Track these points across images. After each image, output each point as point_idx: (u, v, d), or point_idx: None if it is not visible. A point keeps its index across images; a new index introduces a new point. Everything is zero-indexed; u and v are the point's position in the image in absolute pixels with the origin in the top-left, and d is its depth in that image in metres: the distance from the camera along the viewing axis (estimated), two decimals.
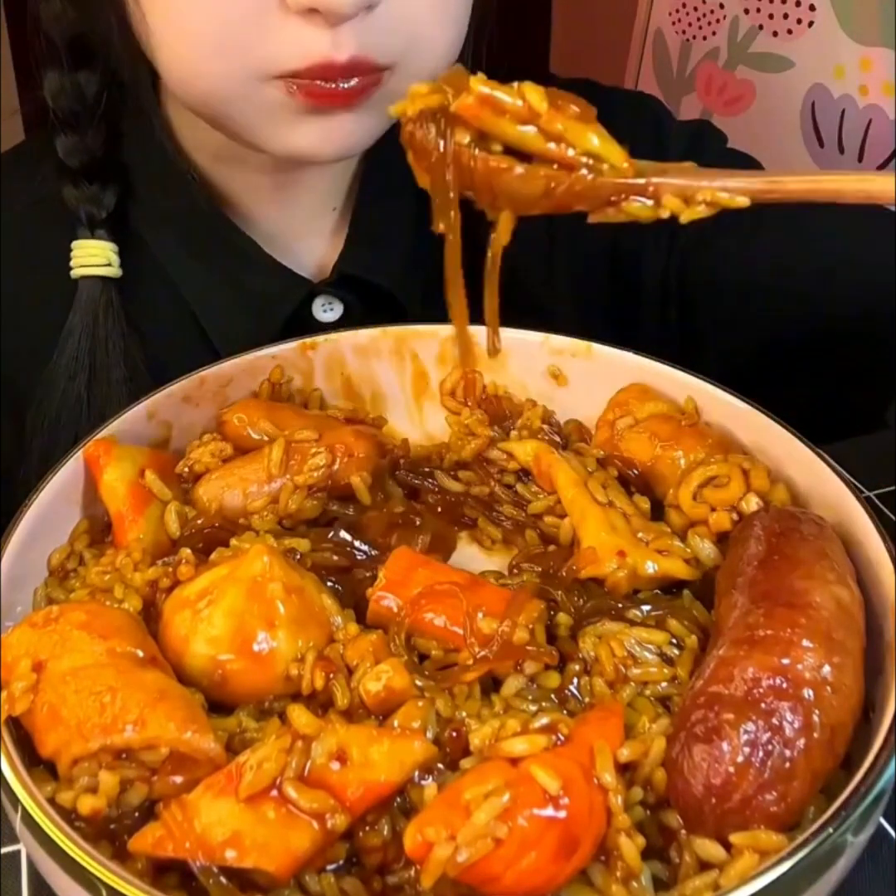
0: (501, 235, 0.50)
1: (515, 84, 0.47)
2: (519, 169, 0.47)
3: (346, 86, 0.64)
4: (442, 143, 0.47)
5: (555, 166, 0.47)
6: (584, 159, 0.47)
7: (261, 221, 0.83)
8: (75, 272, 0.78)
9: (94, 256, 0.78)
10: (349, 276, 0.81)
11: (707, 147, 0.90)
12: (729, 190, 0.47)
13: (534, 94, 0.46)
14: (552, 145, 0.46)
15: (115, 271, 0.78)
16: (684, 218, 0.47)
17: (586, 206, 0.48)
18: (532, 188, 0.47)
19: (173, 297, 0.81)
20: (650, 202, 0.48)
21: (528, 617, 0.50)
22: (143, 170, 0.81)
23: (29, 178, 0.80)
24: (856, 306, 0.79)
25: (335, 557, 0.57)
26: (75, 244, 0.78)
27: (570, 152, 0.47)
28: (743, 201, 0.47)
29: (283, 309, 0.79)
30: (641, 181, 0.47)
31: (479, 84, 0.46)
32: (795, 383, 0.85)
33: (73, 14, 0.75)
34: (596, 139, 0.47)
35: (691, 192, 0.47)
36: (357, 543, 0.59)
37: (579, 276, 0.88)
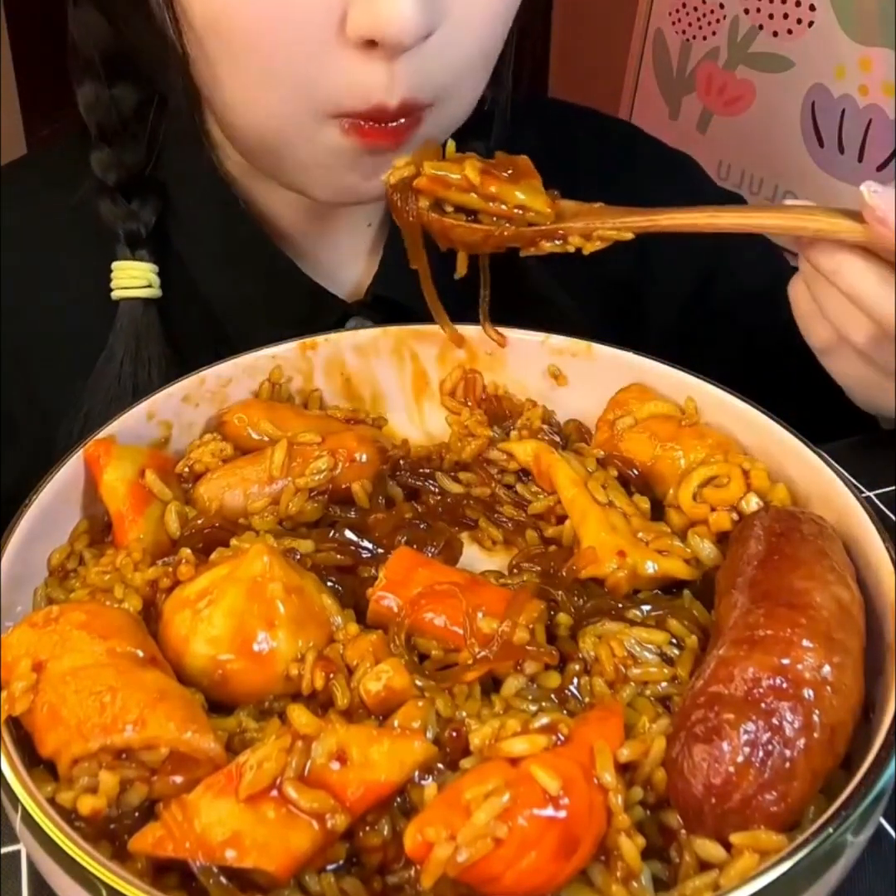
0: (460, 268, 0.66)
1: (463, 157, 0.62)
2: (464, 224, 0.63)
3: (394, 125, 0.65)
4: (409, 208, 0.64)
5: (494, 217, 0.62)
6: (516, 210, 0.62)
7: (297, 237, 0.82)
8: (116, 294, 0.77)
9: (135, 279, 0.77)
10: (383, 299, 0.81)
11: None
12: (616, 227, 0.62)
13: (471, 171, 0.61)
14: (492, 203, 0.62)
15: (155, 292, 0.77)
16: (586, 251, 0.63)
17: (517, 245, 0.64)
18: (475, 237, 0.63)
19: (206, 314, 0.80)
20: (560, 242, 0.63)
21: (528, 617, 0.50)
22: (182, 187, 0.80)
23: (64, 189, 0.79)
24: None
25: (339, 556, 0.57)
26: (116, 265, 0.77)
27: (504, 207, 0.62)
28: (628, 235, 0.62)
29: (315, 328, 0.78)
30: (553, 227, 0.63)
31: (430, 168, 0.62)
32: (797, 386, 0.85)
33: (108, 27, 0.74)
34: (521, 194, 0.62)
35: (590, 231, 0.62)
36: (362, 542, 0.59)
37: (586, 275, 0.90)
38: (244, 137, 0.71)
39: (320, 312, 0.80)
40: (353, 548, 0.58)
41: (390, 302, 0.80)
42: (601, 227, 0.62)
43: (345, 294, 0.83)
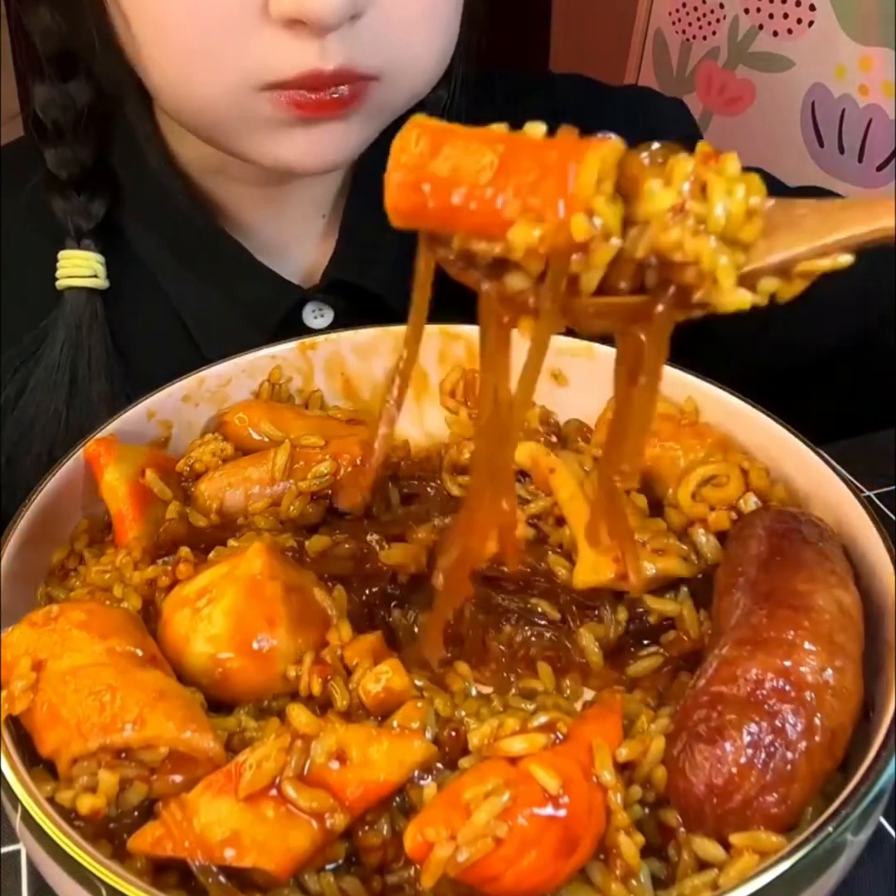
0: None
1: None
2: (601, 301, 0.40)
3: (334, 95, 0.64)
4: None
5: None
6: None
7: (251, 229, 0.82)
8: (60, 283, 0.77)
9: (79, 267, 0.77)
10: (339, 282, 0.81)
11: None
12: (827, 248, 0.37)
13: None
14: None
15: (100, 283, 0.77)
16: (782, 298, 0.38)
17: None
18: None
19: (163, 307, 0.80)
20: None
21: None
22: (133, 179, 0.80)
23: (20, 183, 0.80)
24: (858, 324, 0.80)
25: (347, 546, 0.57)
26: (61, 255, 0.77)
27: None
28: (847, 258, 0.37)
29: (273, 316, 0.79)
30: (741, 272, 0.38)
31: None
32: (806, 393, 0.85)
33: (61, 25, 0.74)
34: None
35: (790, 265, 0.38)
36: (371, 533, 0.58)
37: None
38: (181, 113, 0.70)
39: (276, 298, 0.80)
40: (363, 537, 0.58)
41: (347, 285, 0.80)
42: (808, 254, 0.37)
43: (301, 281, 0.83)
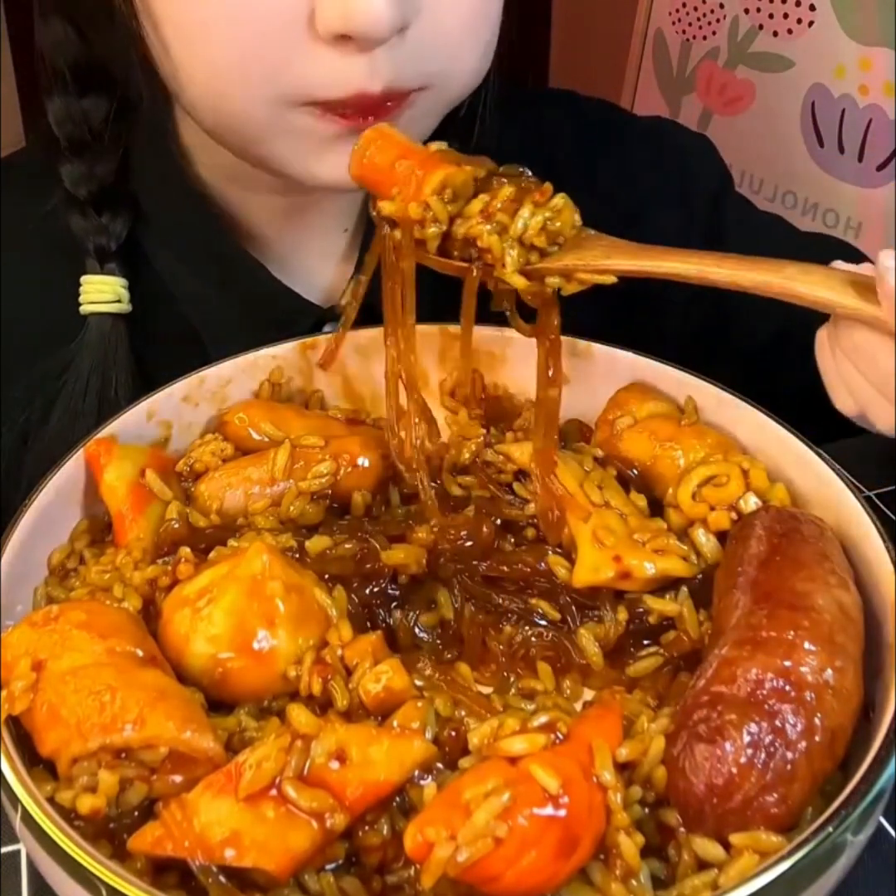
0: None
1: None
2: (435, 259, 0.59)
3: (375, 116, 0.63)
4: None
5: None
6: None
7: (273, 243, 0.82)
8: (84, 308, 0.76)
9: (102, 293, 0.76)
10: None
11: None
12: (598, 269, 0.55)
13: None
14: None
15: (124, 307, 0.77)
16: (565, 292, 0.56)
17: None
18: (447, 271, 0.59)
19: (181, 323, 0.79)
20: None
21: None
22: (154, 195, 0.79)
23: (35, 202, 0.78)
24: None
25: (348, 545, 0.57)
26: (84, 279, 0.76)
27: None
28: (610, 279, 0.55)
29: (292, 335, 0.78)
30: (530, 268, 0.56)
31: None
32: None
33: (77, 39, 0.73)
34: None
35: (571, 271, 0.56)
36: (374, 530, 0.58)
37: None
38: (217, 128, 0.69)
39: (295, 318, 0.79)
40: (362, 535, 0.58)
41: (366, 306, 0.80)
42: (583, 268, 0.54)
43: (320, 300, 0.82)
